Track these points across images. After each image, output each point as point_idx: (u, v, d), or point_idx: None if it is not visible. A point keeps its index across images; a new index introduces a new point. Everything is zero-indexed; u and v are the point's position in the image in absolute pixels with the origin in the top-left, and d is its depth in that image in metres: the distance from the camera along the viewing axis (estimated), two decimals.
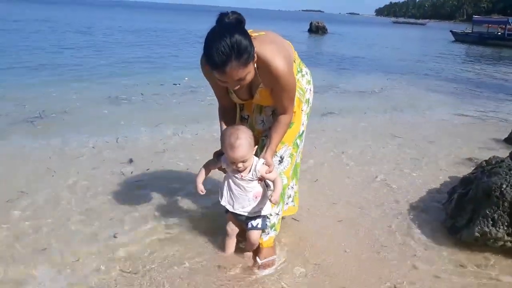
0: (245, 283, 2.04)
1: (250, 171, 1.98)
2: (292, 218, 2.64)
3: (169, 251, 2.27)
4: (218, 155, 2.08)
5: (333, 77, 9.20)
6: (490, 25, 32.34)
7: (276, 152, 2.09)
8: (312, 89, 2.26)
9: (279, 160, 2.17)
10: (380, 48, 19.47)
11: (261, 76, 1.90)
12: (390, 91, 7.93)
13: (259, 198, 2.04)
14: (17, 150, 3.75)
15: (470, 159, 3.92)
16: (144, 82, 7.28)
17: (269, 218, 2.19)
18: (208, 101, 5.95)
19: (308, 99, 2.22)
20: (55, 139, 4.06)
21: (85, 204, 2.77)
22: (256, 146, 2.02)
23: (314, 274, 2.14)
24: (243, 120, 2.29)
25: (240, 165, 1.92)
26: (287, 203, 2.41)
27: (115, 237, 2.39)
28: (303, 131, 2.26)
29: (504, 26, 28.47)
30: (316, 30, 27.70)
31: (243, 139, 1.88)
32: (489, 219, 2.32)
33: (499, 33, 29.07)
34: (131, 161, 3.59)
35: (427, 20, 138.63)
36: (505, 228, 2.28)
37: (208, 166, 2.12)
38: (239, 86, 1.80)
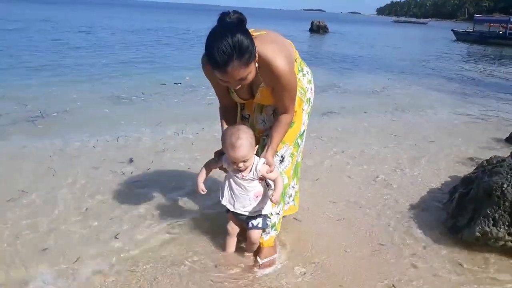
0: (246, 282, 2.04)
1: (251, 170, 1.98)
2: (293, 218, 2.64)
3: (169, 250, 2.28)
4: (219, 154, 2.08)
5: (334, 77, 9.20)
6: (491, 24, 32.30)
7: (277, 151, 2.09)
8: (313, 88, 2.25)
9: (280, 160, 2.17)
10: (381, 48, 19.44)
11: (262, 76, 1.89)
12: (391, 91, 7.92)
13: (260, 198, 2.04)
14: (18, 149, 3.75)
15: (471, 159, 3.91)
16: (145, 82, 7.29)
17: (270, 218, 2.19)
18: (209, 100, 5.95)
19: (309, 98, 2.22)
20: (56, 138, 4.07)
21: (85, 204, 2.77)
22: (257, 146, 2.02)
23: (314, 273, 2.14)
24: (244, 120, 2.29)
25: (241, 165, 1.92)
26: (288, 203, 2.41)
27: (116, 237, 2.39)
28: (304, 131, 2.25)
29: (505, 25, 28.45)
30: (317, 29, 27.71)
31: (244, 139, 1.88)
32: (490, 218, 2.32)
33: (501, 32, 29.04)
34: (131, 160, 3.59)
35: (428, 19, 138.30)
36: (506, 227, 2.28)
37: (209, 166, 2.12)
38: (240, 86, 1.80)
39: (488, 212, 2.33)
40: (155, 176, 3.31)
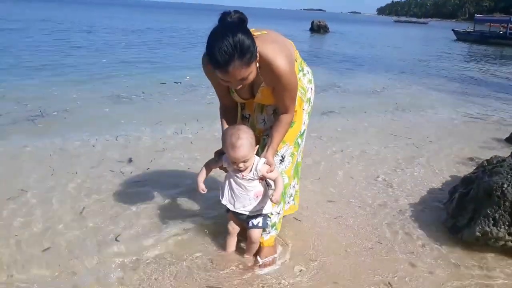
0: (246, 281, 2.04)
1: (251, 170, 1.98)
2: (293, 217, 2.64)
3: (169, 249, 2.28)
4: (219, 154, 2.08)
5: (334, 76, 9.20)
6: (492, 24, 32.30)
7: (277, 151, 2.09)
8: (313, 88, 2.25)
9: (280, 159, 2.17)
10: (382, 47, 19.44)
11: (263, 75, 1.89)
12: (391, 90, 7.92)
13: (260, 197, 2.04)
14: (18, 148, 3.75)
15: (471, 159, 3.91)
16: (145, 81, 7.29)
17: (270, 217, 2.19)
18: (209, 100, 5.95)
19: (310, 98, 2.22)
20: (56, 137, 4.07)
21: (85, 203, 2.77)
22: (257, 146, 2.02)
23: (314, 272, 2.14)
24: (244, 119, 2.29)
25: (241, 165, 1.92)
26: (288, 202, 2.41)
27: (116, 237, 2.38)
28: (304, 130, 2.25)
29: (506, 25, 28.47)
30: (318, 29, 27.70)
31: (244, 139, 1.88)
32: (490, 218, 2.32)
33: (501, 32, 29.07)
34: (130, 160, 3.59)
35: (429, 19, 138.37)
36: (506, 227, 2.28)
37: (209, 165, 2.12)
38: (241, 86, 1.80)
39: (488, 212, 2.33)
40: (154, 175, 3.31)
